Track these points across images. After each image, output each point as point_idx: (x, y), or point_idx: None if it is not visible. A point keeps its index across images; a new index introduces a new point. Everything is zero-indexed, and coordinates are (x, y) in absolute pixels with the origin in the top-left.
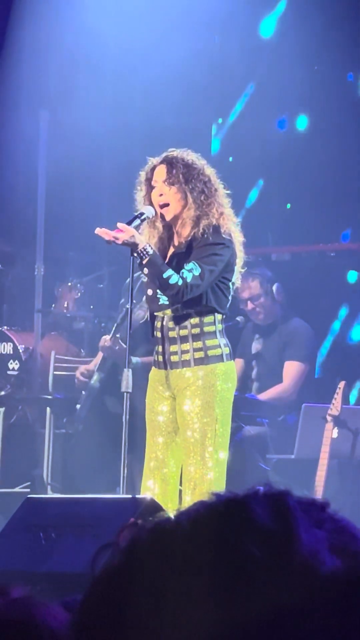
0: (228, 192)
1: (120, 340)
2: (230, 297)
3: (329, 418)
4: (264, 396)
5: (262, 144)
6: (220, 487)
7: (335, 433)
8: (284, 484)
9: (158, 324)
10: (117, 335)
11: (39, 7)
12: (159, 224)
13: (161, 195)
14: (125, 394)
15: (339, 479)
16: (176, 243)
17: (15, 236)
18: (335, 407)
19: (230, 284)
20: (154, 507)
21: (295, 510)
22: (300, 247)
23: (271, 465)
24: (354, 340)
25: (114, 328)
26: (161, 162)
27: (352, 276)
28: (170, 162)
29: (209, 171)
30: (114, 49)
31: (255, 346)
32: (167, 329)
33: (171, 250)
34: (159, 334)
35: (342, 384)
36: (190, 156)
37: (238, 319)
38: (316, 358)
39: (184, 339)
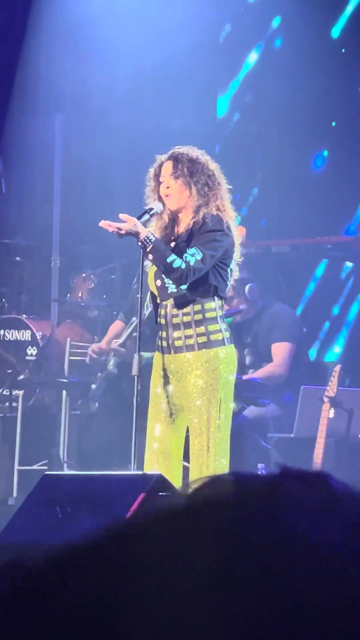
0: (230, 187)
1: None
2: (229, 283)
3: (325, 399)
4: (255, 376)
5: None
6: (225, 462)
7: (331, 413)
8: (284, 461)
9: (162, 311)
10: (134, 334)
11: (55, 16)
12: (165, 216)
13: (168, 187)
14: (135, 377)
15: (335, 456)
16: (178, 231)
17: (33, 231)
18: (331, 389)
19: (228, 270)
20: (163, 483)
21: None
22: (298, 239)
23: (272, 443)
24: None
25: (129, 328)
26: (168, 159)
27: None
28: (176, 158)
29: (213, 166)
30: (125, 55)
31: (244, 336)
32: (170, 316)
33: (174, 237)
34: (162, 321)
35: (337, 368)
36: (195, 152)
37: (241, 307)
38: (301, 338)
39: (187, 325)
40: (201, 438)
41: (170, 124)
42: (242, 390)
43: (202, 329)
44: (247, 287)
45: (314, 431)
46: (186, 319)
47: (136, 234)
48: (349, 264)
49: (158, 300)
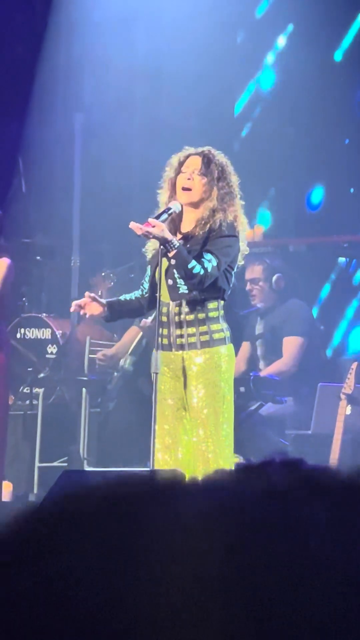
0: (242, 202)
1: None
2: (231, 285)
3: (342, 396)
4: (265, 373)
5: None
6: (230, 458)
7: (348, 410)
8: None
9: (164, 309)
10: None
11: (74, 17)
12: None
13: (189, 179)
14: (154, 374)
15: (352, 452)
16: (184, 229)
17: (53, 231)
18: (348, 386)
19: (233, 273)
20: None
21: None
22: (315, 238)
23: (290, 440)
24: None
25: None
26: (198, 154)
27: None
28: (208, 157)
29: (234, 178)
30: (142, 55)
31: (258, 328)
32: (173, 314)
33: (182, 234)
34: (165, 318)
35: (354, 365)
36: (225, 159)
37: (259, 305)
38: (315, 333)
39: (190, 323)
40: (206, 433)
41: (189, 123)
42: (260, 388)
43: (204, 327)
44: (274, 277)
45: (331, 428)
46: (189, 317)
47: (162, 239)
48: None
49: (161, 298)
